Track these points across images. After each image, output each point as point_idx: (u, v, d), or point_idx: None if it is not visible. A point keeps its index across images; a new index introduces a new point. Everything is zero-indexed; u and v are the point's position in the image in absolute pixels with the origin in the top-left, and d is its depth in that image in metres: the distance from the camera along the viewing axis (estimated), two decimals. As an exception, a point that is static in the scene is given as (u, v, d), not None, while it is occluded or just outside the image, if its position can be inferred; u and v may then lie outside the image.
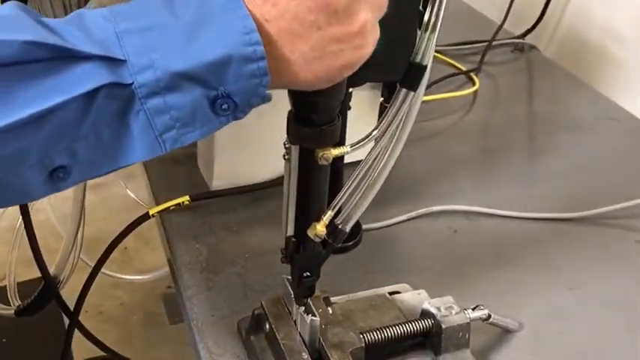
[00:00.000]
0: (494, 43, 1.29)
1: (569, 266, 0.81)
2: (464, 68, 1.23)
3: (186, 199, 0.83)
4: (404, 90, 0.52)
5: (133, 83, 0.40)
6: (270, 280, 0.75)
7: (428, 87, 1.11)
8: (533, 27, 1.33)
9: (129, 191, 1.73)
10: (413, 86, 0.52)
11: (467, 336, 0.65)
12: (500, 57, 1.31)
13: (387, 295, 0.72)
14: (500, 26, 1.31)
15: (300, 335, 0.62)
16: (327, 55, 0.44)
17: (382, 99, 0.96)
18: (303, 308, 0.61)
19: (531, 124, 1.14)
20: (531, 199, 0.92)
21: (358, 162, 0.97)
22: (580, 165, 1.01)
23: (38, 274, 0.87)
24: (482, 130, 1.10)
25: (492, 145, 1.07)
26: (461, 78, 1.22)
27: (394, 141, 0.56)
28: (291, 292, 0.62)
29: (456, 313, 0.66)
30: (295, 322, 0.63)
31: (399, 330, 0.65)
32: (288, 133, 0.54)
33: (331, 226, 0.57)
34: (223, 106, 0.43)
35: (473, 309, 0.67)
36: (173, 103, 0.41)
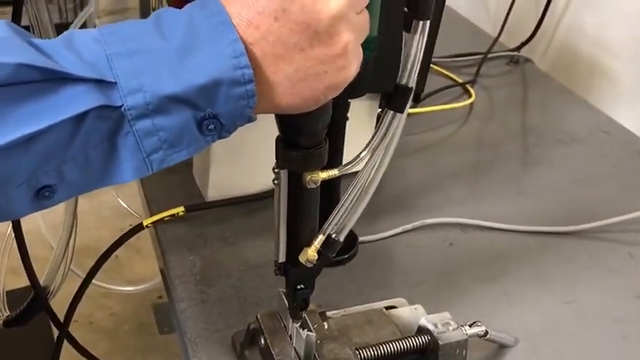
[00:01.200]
0: (490, 55, 1.30)
1: (564, 279, 0.81)
2: (460, 80, 1.23)
3: (181, 209, 0.82)
4: (391, 112, 0.53)
5: (122, 105, 0.40)
6: (265, 293, 0.74)
7: (424, 99, 1.13)
8: (528, 40, 1.33)
9: (120, 200, 1.72)
10: (401, 108, 0.53)
11: (464, 353, 0.65)
12: (496, 69, 1.31)
13: (384, 310, 0.71)
14: (496, 39, 1.32)
15: (296, 351, 0.61)
16: (311, 77, 0.45)
17: (380, 110, 0.96)
18: (299, 323, 0.60)
19: (525, 136, 1.14)
20: (526, 211, 0.91)
21: (354, 173, 0.97)
22: (573, 178, 1.00)
23: (27, 282, 0.86)
24: (478, 142, 1.10)
25: (487, 157, 1.06)
26: (457, 90, 1.22)
27: (381, 157, 0.56)
28: (287, 306, 0.61)
29: (453, 330, 0.65)
30: (291, 337, 0.62)
31: (395, 346, 0.64)
32: (276, 158, 0.54)
33: (327, 237, 0.57)
34: (210, 127, 0.43)
35: (470, 325, 0.67)
36: (161, 125, 0.41)
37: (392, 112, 0.53)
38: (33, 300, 0.80)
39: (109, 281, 1.85)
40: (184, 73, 0.41)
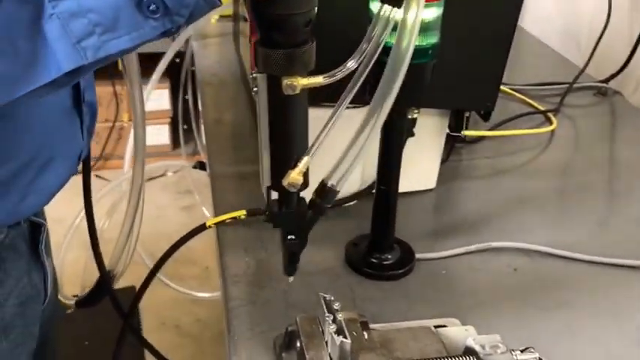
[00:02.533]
0: (576, 85, 1.20)
1: (637, 317, 0.71)
2: (542, 108, 1.15)
3: (242, 213, 0.80)
4: (386, 6, 0.44)
5: None
6: (313, 300, 0.69)
7: (502, 123, 1.06)
8: (618, 72, 1.22)
9: (204, 209, 1.74)
10: (397, 1, 0.44)
11: (511, 379, 0.57)
12: (582, 100, 1.21)
13: (432, 328, 0.65)
14: (583, 69, 1.22)
15: (330, 357, 0.57)
16: None
17: (448, 130, 0.90)
18: (335, 328, 0.56)
19: (609, 167, 1.03)
20: (600, 242, 0.82)
21: (417, 192, 0.92)
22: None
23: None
24: (557, 170, 1.01)
25: (565, 185, 0.98)
26: (539, 117, 1.13)
27: (388, 90, 0.47)
28: (325, 311, 0.57)
29: (502, 353, 0.58)
30: (327, 342, 0.58)
31: (437, 364, 0.58)
32: (255, 62, 0.47)
33: (322, 185, 0.50)
34: (151, 7, 0.37)
35: (522, 351, 0.60)
36: (90, 6, 0.36)
37: (386, 7, 0.44)
38: (99, 283, 0.80)
39: (200, 290, 1.88)
40: None
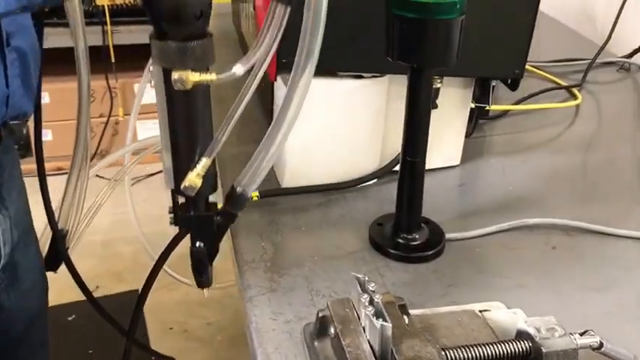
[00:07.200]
0: (599, 61, 1.14)
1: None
2: (565, 84, 1.08)
3: (255, 194, 0.73)
4: (279, 5, 0.41)
5: None
6: (338, 286, 0.63)
7: (524, 99, 0.99)
8: (641, 47, 1.16)
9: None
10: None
11: (573, 365, 0.50)
12: (604, 76, 1.14)
13: (477, 312, 0.58)
14: (604, 45, 1.16)
15: (370, 343, 0.49)
16: None
17: (473, 104, 0.83)
18: (373, 310, 0.48)
19: (637, 141, 0.96)
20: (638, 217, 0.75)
21: (441, 168, 0.84)
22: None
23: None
24: (584, 145, 0.94)
25: (598, 159, 0.91)
26: (561, 94, 1.07)
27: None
28: (359, 292, 0.50)
29: (560, 337, 0.51)
30: (364, 328, 0.50)
31: (489, 350, 0.51)
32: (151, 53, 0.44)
33: (231, 190, 0.47)
34: None
35: (581, 334, 0.52)
36: None
37: (279, 5, 0.41)
38: (52, 244, 0.71)
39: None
40: None
